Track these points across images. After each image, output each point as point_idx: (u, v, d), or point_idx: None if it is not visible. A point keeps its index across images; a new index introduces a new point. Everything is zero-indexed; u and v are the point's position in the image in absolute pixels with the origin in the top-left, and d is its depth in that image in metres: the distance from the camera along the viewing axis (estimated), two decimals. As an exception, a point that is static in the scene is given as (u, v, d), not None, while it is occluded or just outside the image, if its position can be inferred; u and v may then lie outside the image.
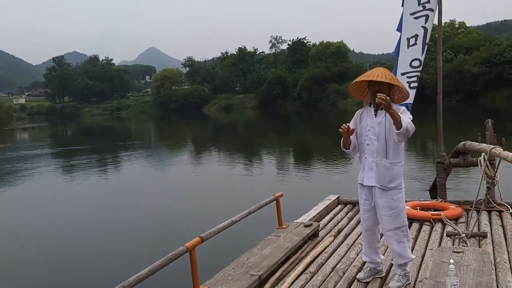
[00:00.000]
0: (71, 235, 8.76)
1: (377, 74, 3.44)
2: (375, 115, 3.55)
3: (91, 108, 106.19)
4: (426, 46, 6.08)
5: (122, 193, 12.97)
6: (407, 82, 6.09)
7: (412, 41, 6.18)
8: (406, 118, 3.31)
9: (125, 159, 21.16)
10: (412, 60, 6.13)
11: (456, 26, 62.34)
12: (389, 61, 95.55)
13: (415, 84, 6.10)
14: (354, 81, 3.62)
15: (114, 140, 33.37)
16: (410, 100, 6.09)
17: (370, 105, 3.62)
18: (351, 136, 3.56)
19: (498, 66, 45.01)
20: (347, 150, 3.64)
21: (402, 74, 6.20)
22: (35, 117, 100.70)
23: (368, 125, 3.57)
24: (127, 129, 51.03)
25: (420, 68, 6.10)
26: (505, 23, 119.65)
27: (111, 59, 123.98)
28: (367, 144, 3.57)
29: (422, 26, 6.10)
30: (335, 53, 71.46)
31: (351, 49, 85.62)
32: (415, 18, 6.19)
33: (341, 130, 3.47)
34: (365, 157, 3.59)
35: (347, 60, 72.98)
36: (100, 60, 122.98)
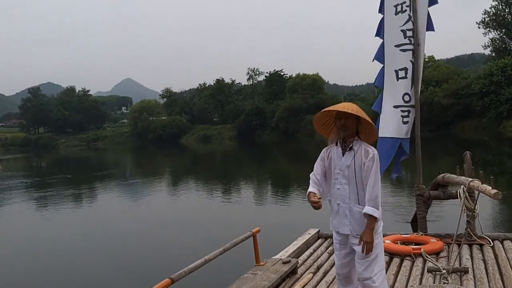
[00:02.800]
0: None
1: (343, 105, 3.23)
2: (343, 154, 3.30)
3: (67, 139, 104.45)
4: (414, 81, 6.09)
5: (87, 228, 12.30)
6: (401, 116, 6.06)
7: (401, 73, 6.15)
8: (374, 193, 3.17)
9: (98, 191, 20.68)
10: (404, 94, 6.11)
11: (426, 60, 64.38)
12: (363, 93, 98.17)
13: (408, 119, 6.04)
14: (318, 113, 3.38)
15: (90, 172, 32.65)
16: (403, 135, 6.05)
17: (336, 144, 3.38)
18: (318, 178, 3.38)
19: (466, 98, 47.11)
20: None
21: (395, 107, 6.14)
22: (10, 148, 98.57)
23: (336, 167, 3.32)
24: (104, 160, 50.19)
25: (410, 103, 6.08)
26: (472, 56, 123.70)
27: (88, 90, 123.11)
28: (338, 188, 3.33)
29: (410, 61, 6.11)
30: (311, 85, 72.85)
31: (326, 81, 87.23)
32: (402, 50, 6.18)
33: (315, 205, 3.22)
34: (338, 203, 3.34)
35: (322, 92, 74.56)
36: (77, 91, 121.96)
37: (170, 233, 10.82)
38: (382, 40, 6.52)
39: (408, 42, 6.17)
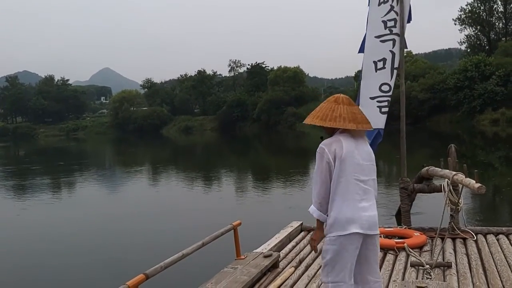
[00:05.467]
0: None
1: (362, 117, 3.00)
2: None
3: (46, 129, 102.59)
4: (395, 71, 5.98)
5: (62, 219, 12.01)
6: (377, 106, 5.95)
7: (380, 64, 6.06)
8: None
9: (76, 182, 20.26)
10: (382, 85, 6.00)
11: (404, 55, 65.03)
12: (343, 86, 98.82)
13: (386, 109, 5.95)
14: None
15: (70, 161, 32.05)
16: (382, 125, 5.96)
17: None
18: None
19: (442, 93, 48.55)
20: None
21: (372, 98, 6.05)
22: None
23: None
24: (84, 151, 49.44)
25: (390, 93, 5.96)
26: (449, 51, 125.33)
27: (67, 80, 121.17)
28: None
29: (390, 51, 6.00)
30: (292, 77, 73.06)
31: (307, 74, 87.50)
32: (381, 41, 6.09)
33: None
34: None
35: (303, 85, 74.86)
36: (56, 80, 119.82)
37: (147, 226, 10.51)
38: (365, 32, 6.43)
39: (389, 32, 6.09)
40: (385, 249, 5.09)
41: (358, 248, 2.97)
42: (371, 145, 5.86)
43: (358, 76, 68.23)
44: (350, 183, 2.92)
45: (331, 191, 2.94)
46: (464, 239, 5.34)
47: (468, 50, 57.85)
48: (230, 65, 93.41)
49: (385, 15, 6.09)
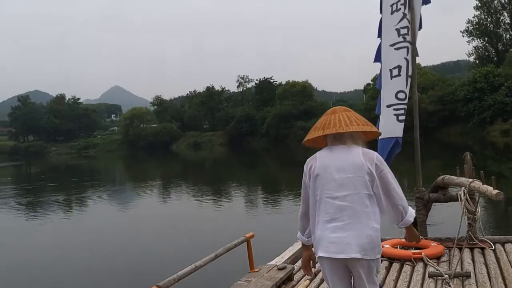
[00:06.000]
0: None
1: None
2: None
3: (57, 147, 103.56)
4: (409, 79, 5.92)
5: (79, 234, 12.26)
6: (394, 114, 5.87)
7: (395, 72, 6.00)
8: None
9: (90, 198, 20.49)
10: (398, 92, 5.93)
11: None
12: (351, 99, 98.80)
13: (403, 117, 5.84)
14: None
15: (82, 179, 32.35)
16: (399, 133, 5.88)
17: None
18: None
19: (451, 104, 48.77)
20: None
21: (388, 106, 5.97)
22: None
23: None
24: (95, 168, 49.76)
25: (406, 101, 5.87)
26: (458, 63, 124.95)
27: (78, 98, 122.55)
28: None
29: (405, 58, 5.96)
30: (301, 91, 73.35)
31: (315, 88, 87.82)
32: (396, 49, 6.04)
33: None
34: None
35: (312, 99, 75.09)
36: (67, 99, 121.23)
37: (161, 239, 10.63)
38: (380, 41, 6.41)
39: (402, 40, 6.05)
40: (402, 260, 4.99)
41: (337, 274, 2.69)
42: (388, 155, 5.81)
43: (367, 89, 68.53)
44: (322, 201, 2.69)
45: (310, 210, 2.78)
46: (482, 248, 5.21)
47: (477, 62, 57.82)
48: (238, 80, 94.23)
49: (398, 23, 6.06)
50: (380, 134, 3.01)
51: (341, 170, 2.66)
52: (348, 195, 2.63)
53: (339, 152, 2.72)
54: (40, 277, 8.22)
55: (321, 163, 2.73)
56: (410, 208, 2.80)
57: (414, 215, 2.80)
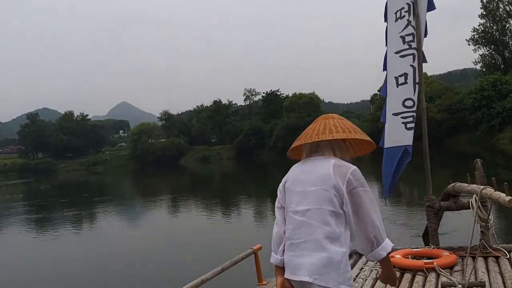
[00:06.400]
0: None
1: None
2: None
3: (67, 164, 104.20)
4: (417, 86, 5.86)
5: (87, 249, 12.41)
6: (402, 123, 5.80)
7: (401, 80, 5.94)
8: None
9: (99, 213, 20.58)
10: (405, 100, 5.87)
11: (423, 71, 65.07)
12: (358, 110, 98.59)
13: (412, 125, 5.76)
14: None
15: (92, 195, 32.58)
16: (409, 142, 5.80)
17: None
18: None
19: (459, 113, 48.58)
20: None
21: (395, 114, 5.90)
22: (9, 175, 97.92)
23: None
24: (105, 184, 49.92)
25: (414, 108, 5.80)
26: (464, 72, 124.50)
27: (86, 115, 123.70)
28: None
29: (411, 65, 5.90)
30: (308, 103, 73.38)
31: (322, 99, 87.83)
32: (401, 56, 6.00)
33: None
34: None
35: (319, 110, 74.96)
36: (75, 116, 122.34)
37: (168, 253, 10.62)
38: (386, 49, 6.38)
39: (408, 47, 6.00)
40: (413, 271, 4.86)
41: None
42: (397, 166, 5.72)
43: (374, 99, 68.42)
44: (287, 216, 2.46)
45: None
46: (497, 257, 5.07)
47: (484, 70, 57.56)
48: (245, 94, 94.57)
49: (402, 30, 6.03)
50: (375, 146, 2.66)
51: (311, 182, 2.38)
52: (308, 210, 2.34)
53: (311, 164, 2.46)
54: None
55: (292, 176, 2.52)
56: (387, 241, 2.33)
57: (390, 249, 2.34)
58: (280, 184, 2.59)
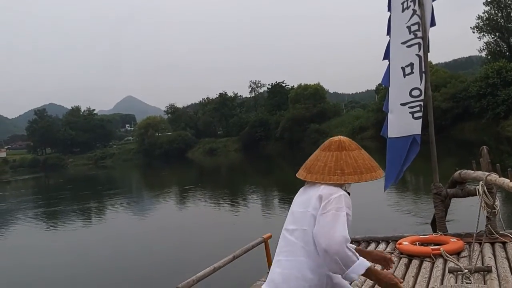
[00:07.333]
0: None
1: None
2: None
3: (75, 159, 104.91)
4: (423, 75, 5.89)
5: (99, 240, 12.75)
6: (409, 112, 5.85)
7: (408, 70, 5.97)
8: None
9: (111, 205, 20.96)
10: (412, 90, 5.91)
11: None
12: (363, 99, 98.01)
13: (420, 114, 5.81)
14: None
15: (102, 188, 33.03)
16: (417, 131, 5.85)
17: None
18: None
19: (464, 101, 48.28)
20: None
21: (403, 104, 5.95)
22: (18, 170, 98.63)
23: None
24: (114, 178, 50.31)
25: (421, 97, 5.84)
26: (470, 59, 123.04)
27: (93, 110, 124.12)
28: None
29: (417, 55, 5.93)
30: (313, 94, 73.18)
31: (327, 90, 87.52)
32: (407, 46, 6.02)
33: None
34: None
35: (325, 101, 74.92)
36: (82, 111, 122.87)
37: (179, 243, 10.83)
38: (389, 39, 6.40)
39: (413, 37, 6.02)
40: (421, 257, 4.95)
41: None
42: (406, 157, 5.77)
43: (379, 89, 68.08)
44: (281, 233, 2.56)
45: None
46: (504, 243, 5.14)
47: (489, 57, 57.02)
48: (250, 86, 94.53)
49: (408, 20, 6.05)
50: (381, 175, 2.53)
51: (301, 203, 2.47)
52: (295, 230, 2.42)
53: (308, 188, 2.53)
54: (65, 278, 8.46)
55: (294, 199, 2.61)
56: (355, 259, 2.25)
57: (362, 272, 2.27)
58: None
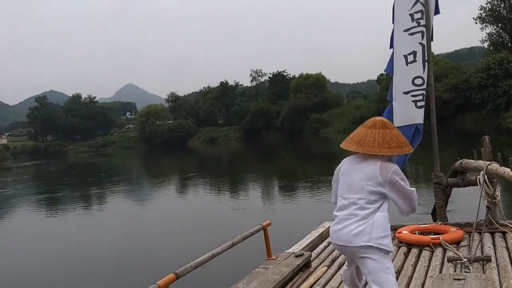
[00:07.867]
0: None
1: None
2: None
3: (76, 146, 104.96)
4: (426, 64, 5.84)
5: (100, 227, 12.97)
6: (412, 101, 5.81)
7: (410, 58, 5.91)
8: None
9: (112, 192, 21.08)
10: (415, 78, 5.86)
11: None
12: (365, 90, 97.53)
13: (422, 103, 5.77)
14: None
15: (102, 176, 33.08)
16: (420, 120, 5.82)
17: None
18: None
19: (466, 92, 48.22)
20: None
21: (405, 93, 5.90)
22: (19, 157, 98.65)
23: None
24: (115, 165, 50.40)
25: (424, 86, 5.80)
26: (472, 50, 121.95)
27: (94, 97, 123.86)
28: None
29: (420, 43, 5.86)
30: (314, 84, 72.79)
31: (328, 79, 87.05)
32: (410, 34, 5.95)
33: None
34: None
35: (326, 91, 74.58)
36: (83, 98, 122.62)
37: (179, 229, 10.91)
38: (393, 26, 6.33)
39: (416, 24, 5.95)
40: (420, 246, 4.94)
41: (350, 257, 3.22)
42: (410, 144, 5.73)
43: (380, 79, 67.77)
44: (338, 198, 3.15)
45: None
46: (504, 232, 5.13)
47: (491, 48, 56.69)
48: (251, 75, 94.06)
49: (411, 8, 5.97)
50: (412, 150, 3.25)
51: (359, 177, 3.05)
52: (354, 198, 3.05)
53: (364, 163, 3.04)
54: (65, 265, 8.52)
55: (345, 169, 3.17)
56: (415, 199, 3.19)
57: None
58: (337, 170, 3.25)
